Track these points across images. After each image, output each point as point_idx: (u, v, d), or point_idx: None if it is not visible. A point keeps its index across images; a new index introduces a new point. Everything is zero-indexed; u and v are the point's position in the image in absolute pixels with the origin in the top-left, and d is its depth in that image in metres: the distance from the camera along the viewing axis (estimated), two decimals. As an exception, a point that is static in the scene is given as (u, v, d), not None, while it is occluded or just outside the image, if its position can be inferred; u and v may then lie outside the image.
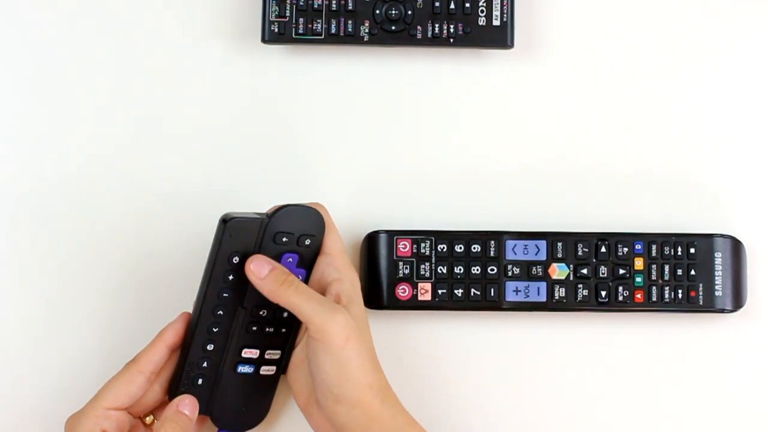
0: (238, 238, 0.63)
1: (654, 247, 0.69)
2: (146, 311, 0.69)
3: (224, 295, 0.64)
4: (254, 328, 0.65)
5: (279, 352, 0.66)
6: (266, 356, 0.66)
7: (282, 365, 0.67)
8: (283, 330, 0.66)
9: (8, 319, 0.70)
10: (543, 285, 0.69)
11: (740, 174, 0.72)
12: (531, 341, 0.71)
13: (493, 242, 0.69)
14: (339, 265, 0.65)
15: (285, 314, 0.65)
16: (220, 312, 0.64)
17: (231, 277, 0.64)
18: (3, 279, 0.70)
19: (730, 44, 0.72)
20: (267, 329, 0.65)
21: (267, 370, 0.66)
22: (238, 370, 0.66)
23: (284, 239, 0.64)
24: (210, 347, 0.64)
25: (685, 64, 0.72)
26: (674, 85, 0.72)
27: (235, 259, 0.64)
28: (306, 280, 0.66)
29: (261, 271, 0.63)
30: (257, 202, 0.70)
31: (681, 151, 0.72)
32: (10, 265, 0.70)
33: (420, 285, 0.69)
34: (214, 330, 0.64)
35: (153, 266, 0.70)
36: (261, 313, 0.65)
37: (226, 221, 0.63)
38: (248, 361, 0.66)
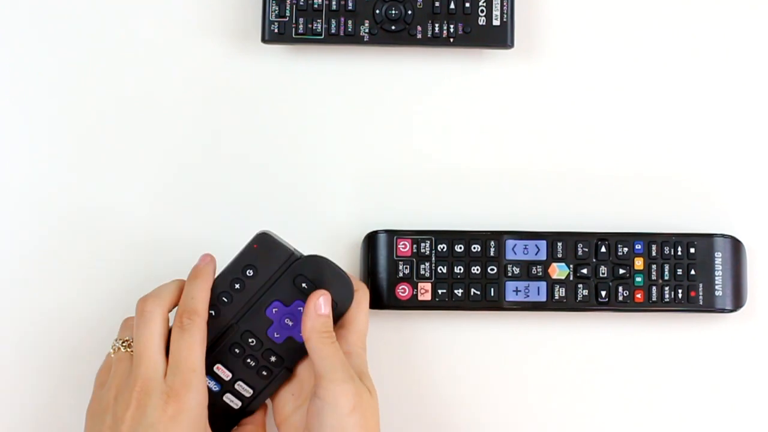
0: (261, 254, 0.63)
1: (654, 247, 0.69)
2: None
3: (223, 299, 0.63)
4: (236, 351, 0.64)
5: (251, 390, 0.64)
6: (236, 386, 0.64)
7: (247, 407, 0.65)
8: (264, 373, 0.64)
9: (7, 339, 0.70)
10: (543, 285, 0.69)
11: (740, 174, 0.72)
12: (531, 341, 0.71)
13: (493, 242, 0.69)
14: (353, 340, 0.64)
15: (273, 359, 0.64)
16: (212, 312, 0.63)
17: (237, 286, 0.63)
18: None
19: (730, 44, 0.72)
20: (248, 360, 0.64)
21: (230, 399, 0.64)
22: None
23: (303, 285, 0.63)
24: None
25: (685, 64, 0.72)
26: (674, 84, 0.72)
27: (249, 272, 0.63)
28: None
29: (321, 308, 0.62)
30: (256, 202, 0.70)
31: (681, 151, 0.72)
32: (10, 288, 0.71)
33: (420, 285, 0.69)
34: None
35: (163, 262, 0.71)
36: (250, 341, 0.64)
37: (260, 233, 0.63)
38: (217, 378, 0.64)
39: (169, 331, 0.62)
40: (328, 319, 0.62)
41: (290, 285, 0.63)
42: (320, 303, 0.62)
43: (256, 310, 0.64)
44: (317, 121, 0.72)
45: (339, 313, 0.64)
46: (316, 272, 0.63)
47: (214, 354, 0.63)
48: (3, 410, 0.70)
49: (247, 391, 0.64)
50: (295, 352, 0.64)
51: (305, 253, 0.64)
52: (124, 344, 0.63)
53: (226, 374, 0.64)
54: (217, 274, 0.64)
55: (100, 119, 0.71)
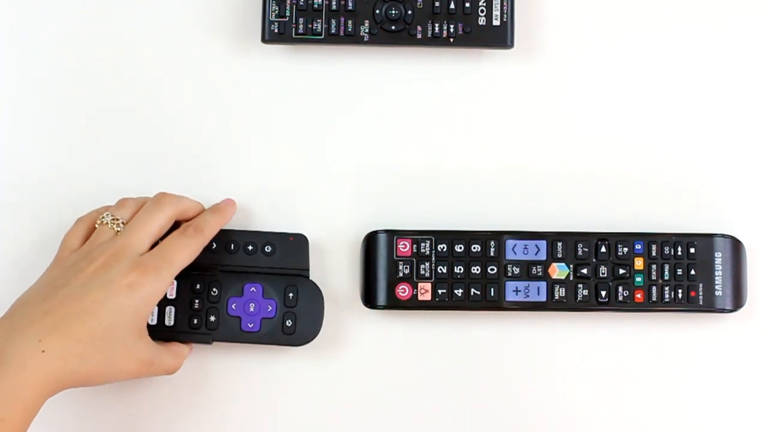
0: (289, 247, 0.67)
1: (654, 247, 0.69)
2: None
3: (231, 245, 0.67)
4: (197, 287, 0.66)
5: (171, 323, 0.66)
6: (167, 308, 0.66)
7: (154, 332, 0.65)
8: (195, 322, 0.66)
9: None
10: (543, 285, 0.69)
11: (740, 174, 0.72)
12: (531, 341, 0.71)
13: (493, 242, 0.69)
14: None
15: (212, 318, 0.66)
16: (213, 244, 0.66)
17: (249, 248, 0.67)
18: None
19: (729, 45, 0.72)
20: (196, 302, 0.66)
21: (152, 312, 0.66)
22: None
23: (291, 295, 0.66)
24: None
25: (685, 65, 0.72)
26: (674, 84, 0.72)
27: (267, 249, 0.67)
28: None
29: None
30: (256, 201, 0.70)
31: (681, 151, 0.72)
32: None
33: (420, 285, 0.69)
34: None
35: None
36: (212, 290, 0.66)
37: (303, 235, 0.68)
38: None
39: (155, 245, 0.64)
40: None
41: (281, 287, 0.67)
42: None
43: (241, 277, 0.67)
44: (317, 121, 0.72)
45: (300, 341, 0.67)
46: (308, 297, 0.67)
47: (187, 274, 0.65)
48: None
49: (169, 319, 0.66)
50: (231, 333, 0.66)
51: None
52: (113, 221, 0.64)
53: (171, 293, 0.66)
54: (244, 229, 0.68)
55: (100, 119, 0.71)
